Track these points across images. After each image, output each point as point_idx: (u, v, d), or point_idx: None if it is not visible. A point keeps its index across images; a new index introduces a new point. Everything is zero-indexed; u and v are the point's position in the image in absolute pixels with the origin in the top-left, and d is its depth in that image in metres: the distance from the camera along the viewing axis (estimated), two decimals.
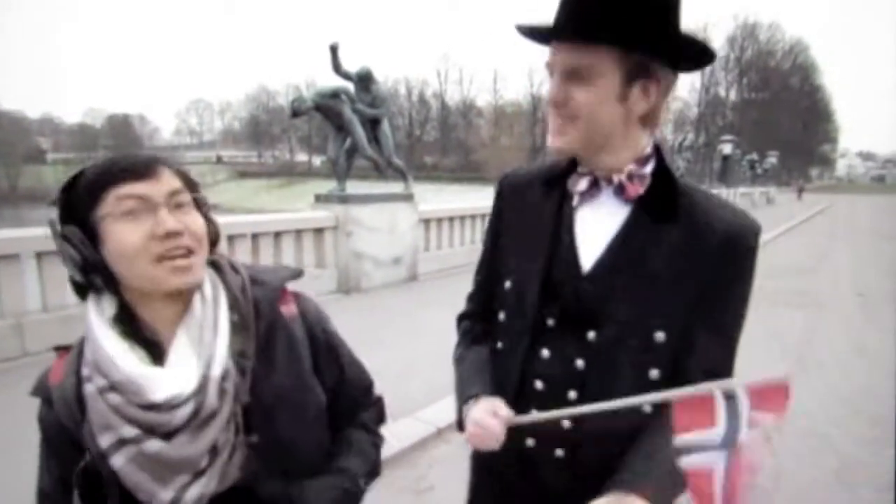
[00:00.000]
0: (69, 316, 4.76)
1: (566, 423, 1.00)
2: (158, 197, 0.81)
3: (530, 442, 1.05)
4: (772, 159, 37.25)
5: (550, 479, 1.05)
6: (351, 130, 7.79)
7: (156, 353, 0.83)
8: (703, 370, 0.93)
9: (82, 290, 0.86)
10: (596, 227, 1.01)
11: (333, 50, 8.00)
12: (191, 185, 0.88)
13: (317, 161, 71.49)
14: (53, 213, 0.82)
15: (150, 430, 0.79)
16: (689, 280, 0.95)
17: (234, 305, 0.90)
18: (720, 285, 0.96)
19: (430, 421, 3.54)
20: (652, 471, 0.89)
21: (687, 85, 65.48)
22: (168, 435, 0.79)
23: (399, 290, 7.68)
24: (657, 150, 1.01)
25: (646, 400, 0.85)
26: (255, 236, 6.56)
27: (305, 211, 7.76)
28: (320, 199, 7.77)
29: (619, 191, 0.99)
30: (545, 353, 1.04)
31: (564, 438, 1.02)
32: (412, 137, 74.38)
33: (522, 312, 1.06)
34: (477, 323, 1.22)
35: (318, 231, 7.29)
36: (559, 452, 1.04)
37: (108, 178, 0.80)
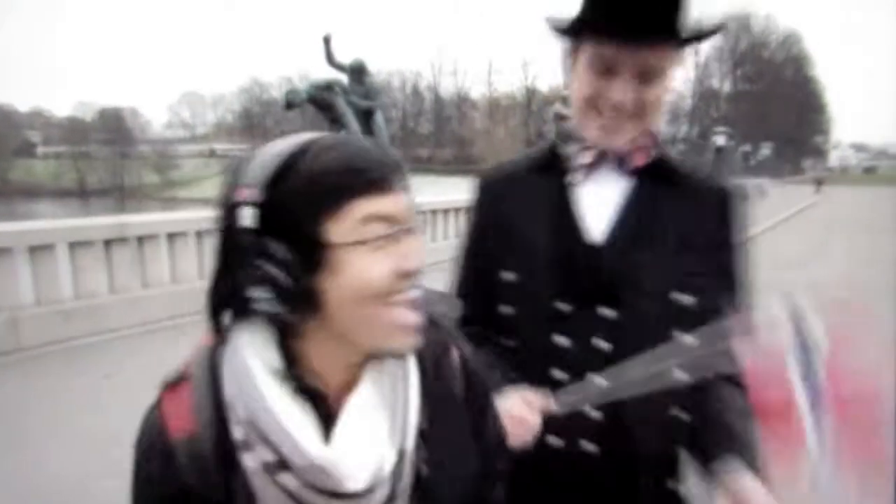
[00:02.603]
0: (64, 310, 4.77)
1: (595, 415, 0.96)
2: (403, 219, 0.61)
3: (555, 441, 0.98)
4: (765, 151, 37.18)
5: (582, 483, 1.00)
6: (345, 122, 7.78)
7: (317, 407, 0.63)
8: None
9: (218, 313, 0.64)
10: (601, 201, 1.00)
11: (327, 41, 7.98)
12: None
13: None
14: (246, 215, 0.57)
15: None
16: (701, 240, 0.98)
17: (420, 355, 0.71)
18: (728, 243, 1.00)
19: None
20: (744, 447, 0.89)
21: (681, 76, 65.52)
22: None
23: None
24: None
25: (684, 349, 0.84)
26: None
27: None
28: None
29: (621, 163, 0.99)
30: (563, 340, 0.98)
31: (595, 431, 0.97)
32: (406, 129, 74.13)
33: (533, 302, 1.00)
34: (473, 327, 1.14)
35: None
36: (589, 447, 0.98)
37: (352, 187, 0.58)
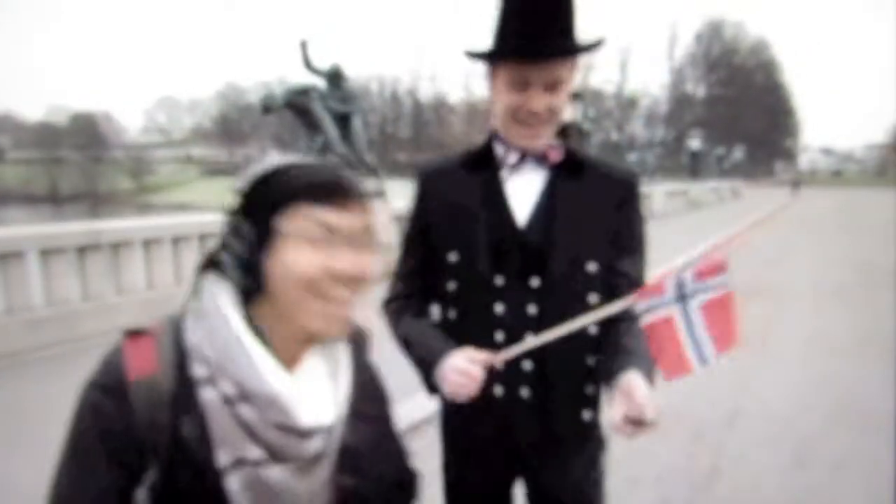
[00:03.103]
0: (36, 318, 4.67)
1: (527, 366, 1.18)
2: (347, 231, 0.73)
3: (498, 390, 1.20)
4: (738, 154, 37.74)
5: (519, 422, 1.21)
6: (322, 128, 7.77)
7: None
8: (629, 283, 1.18)
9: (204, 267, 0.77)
10: (525, 191, 1.21)
11: (304, 46, 7.97)
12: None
13: None
14: (234, 199, 0.74)
15: (275, 456, 0.71)
16: (604, 219, 1.20)
17: (352, 349, 0.86)
18: (627, 221, 1.23)
19: (398, 419, 3.58)
20: (639, 361, 1.08)
21: (656, 81, 66.47)
22: (288, 464, 0.73)
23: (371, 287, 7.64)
24: (563, 129, 1.26)
25: (607, 312, 1.02)
26: None
27: None
28: None
29: (541, 159, 1.21)
30: (500, 308, 1.19)
31: (528, 379, 1.19)
32: (385, 134, 73.94)
33: (474, 277, 1.20)
34: (410, 302, 1.32)
35: None
36: (524, 393, 1.20)
37: (307, 193, 0.72)
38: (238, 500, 0.71)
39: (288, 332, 0.75)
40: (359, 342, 0.90)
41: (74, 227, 5.20)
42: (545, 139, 1.18)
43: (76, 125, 70.25)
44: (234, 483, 0.70)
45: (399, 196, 9.32)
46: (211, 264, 0.76)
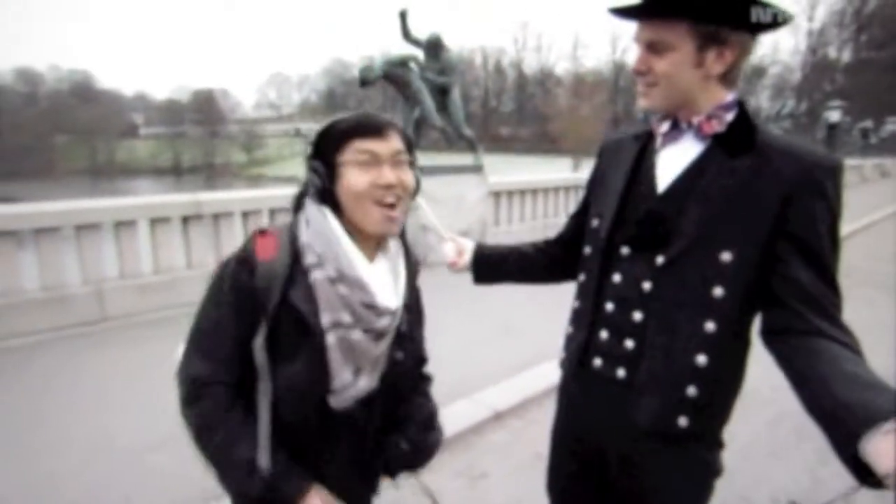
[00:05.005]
0: (145, 283, 4.95)
1: (629, 343, 1.16)
2: (385, 154, 1.02)
3: (598, 362, 1.22)
4: (891, 126, 32.81)
5: (613, 399, 1.19)
6: (419, 100, 7.56)
7: None
8: (803, 297, 0.98)
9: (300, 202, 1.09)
10: (674, 161, 1.15)
11: (402, 16, 7.77)
12: (410, 147, 1.08)
13: None
14: (307, 146, 1.06)
15: (359, 324, 1.02)
16: (758, 205, 1.03)
17: (406, 257, 1.17)
18: (803, 218, 1.01)
19: (489, 404, 3.36)
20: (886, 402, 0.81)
21: (790, 48, 59.59)
22: (365, 332, 1.04)
23: None
24: (740, 104, 1.10)
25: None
26: None
27: None
28: None
29: (698, 130, 1.12)
30: (616, 278, 1.19)
31: (627, 358, 1.17)
32: (487, 108, 73.13)
33: (599, 243, 1.23)
34: (551, 244, 1.51)
35: None
36: (621, 373, 1.18)
37: (353, 132, 1.01)
38: (332, 351, 1.01)
39: (360, 239, 1.05)
40: (413, 267, 1.19)
41: (180, 198, 5.41)
42: (653, 101, 1.13)
43: (196, 101, 75.99)
44: (331, 338, 1.01)
45: (498, 171, 8.97)
46: (301, 197, 1.08)
